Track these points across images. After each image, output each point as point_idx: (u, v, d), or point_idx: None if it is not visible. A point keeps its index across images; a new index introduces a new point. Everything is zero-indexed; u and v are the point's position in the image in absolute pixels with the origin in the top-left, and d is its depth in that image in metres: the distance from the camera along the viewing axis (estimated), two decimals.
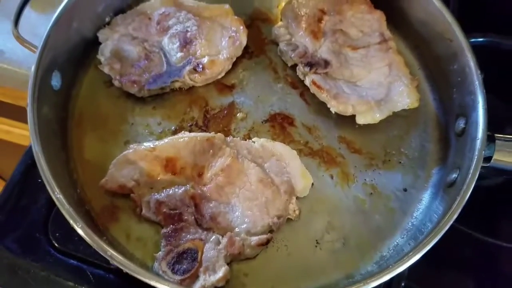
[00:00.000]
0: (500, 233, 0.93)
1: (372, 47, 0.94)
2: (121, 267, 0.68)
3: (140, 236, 0.81)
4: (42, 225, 0.88)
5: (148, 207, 0.81)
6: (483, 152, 0.77)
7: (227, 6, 1.00)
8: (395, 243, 0.82)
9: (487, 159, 0.78)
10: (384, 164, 0.89)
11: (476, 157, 0.76)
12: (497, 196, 0.99)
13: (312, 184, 0.85)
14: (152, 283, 0.66)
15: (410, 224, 0.84)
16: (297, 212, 0.82)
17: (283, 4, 1.03)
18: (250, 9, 1.06)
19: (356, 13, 0.98)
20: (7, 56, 1.13)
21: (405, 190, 0.87)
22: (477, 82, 0.83)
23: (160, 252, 0.77)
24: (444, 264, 0.92)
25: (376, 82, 0.91)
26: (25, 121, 1.48)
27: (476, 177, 0.75)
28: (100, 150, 0.89)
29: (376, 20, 0.97)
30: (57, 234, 0.87)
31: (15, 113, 1.44)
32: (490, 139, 0.78)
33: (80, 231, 0.70)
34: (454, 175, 0.81)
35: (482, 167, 0.77)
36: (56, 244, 0.86)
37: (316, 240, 0.82)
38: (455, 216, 0.72)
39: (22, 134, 1.56)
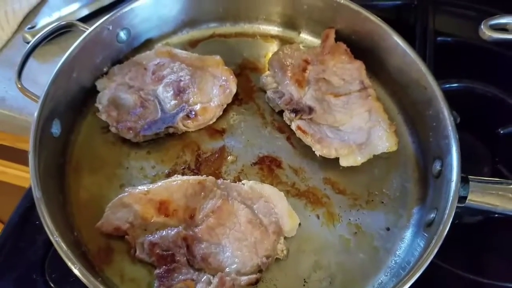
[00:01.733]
0: (481, 269, 0.96)
1: (353, 94, 1.01)
2: None
3: (134, 277, 0.84)
4: (39, 266, 0.91)
5: (142, 249, 0.84)
6: (458, 192, 0.82)
7: (218, 57, 1.07)
8: (379, 280, 0.86)
9: (462, 199, 0.82)
10: (367, 204, 0.94)
11: (451, 198, 0.81)
12: (478, 233, 1.03)
13: (299, 224, 0.89)
14: None
15: (393, 262, 0.87)
16: (285, 251, 0.86)
17: (270, 54, 1.10)
18: (240, 59, 1.13)
19: (337, 63, 1.05)
20: (8, 103, 1.18)
21: (388, 229, 0.91)
22: (450, 127, 0.89)
23: None
24: None
25: (357, 127, 0.97)
26: (21, 163, 1.53)
27: (452, 217, 0.79)
28: (96, 193, 0.93)
29: (356, 69, 1.04)
30: (54, 275, 0.89)
31: (12, 155, 1.48)
32: (464, 181, 0.83)
33: (77, 272, 0.73)
34: (432, 215, 0.85)
35: (458, 207, 0.81)
36: (52, 285, 0.88)
37: (304, 279, 0.85)
38: (432, 255, 0.76)
39: (17, 175, 1.60)
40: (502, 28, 0.92)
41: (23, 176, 1.57)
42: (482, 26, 0.92)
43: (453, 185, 0.82)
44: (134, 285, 0.83)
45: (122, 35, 1.07)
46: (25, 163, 1.49)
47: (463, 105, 1.04)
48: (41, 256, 0.92)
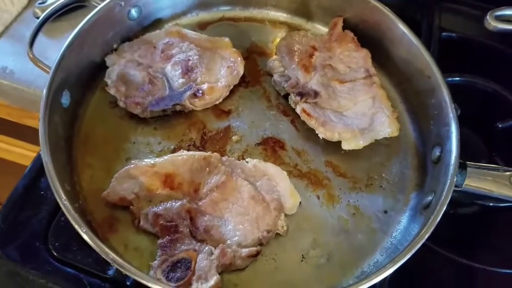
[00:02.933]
0: (476, 256, 0.99)
1: (358, 82, 1.03)
2: (121, 269, 0.73)
3: (137, 247, 0.86)
4: (43, 235, 0.92)
5: (146, 219, 0.86)
6: (456, 177, 0.84)
7: (227, 39, 1.09)
8: (375, 260, 0.88)
9: (460, 184, 0.85)
10: (366, 188, 0.96)
11: (449, 181, 0.83)
12: (473, 223, 1.06)
13: (300, 203, 0.91)
14: (150, 284, 0.71)
15: (389, 243, 0.90)
16: (285, 228, 0.88)
17: (278, 40, 1.13)
18: (248, 43, 1.15)
19: (344, 50, 1.07)
20: (17, 77, 1.20)
21: (385, 212, 0.94)
22: (451, 115, 0.91)
23: (155, 261, 0.81)
24: (425, 285, 0.98)
25: (361, 113, 0.99)
26: (27, 140, 1.54)
27: (449, 199, 0.82)
28: (102, 165, 0.95)
29: (362, 57, 1.06)
30: (57, 244, 0.91)
31: (17, 132, 1.50)
32: (462, 166, 0.86)
33: (84, 236, 0.75)
34: (430, 198, 0.88)
35: (455, 191, 0.84)
36: (55, 253, 0.90)
37: (302, 255, 0.87)
38: (428, 233, 0.78)
39: (22, 153, 1.61)
40: (507, 20, 0.95)
41: (28, 155, 1.58)
42: (487, 17, 0.94)
43: (451, 168, 0.84)
44: (138, 254, 0.85)
45: (134, 12, 1.09)
46: (31, 141, 1.52)
47: (463, 99, 1.07)
48: (45, 226, 0.93)
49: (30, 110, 1.28)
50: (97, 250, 0.74)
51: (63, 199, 0.78)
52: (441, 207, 0.80)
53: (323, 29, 1.17)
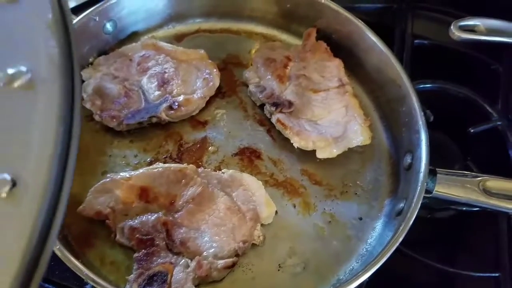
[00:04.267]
0: (449, 260, 1.01)
1: (332, 91, 1.04)
2: (95, 286, 0.73)
3: (114, 261, 0.86)
4: None
5: (122, 233, 0.86)
6: (426, 184, 0.86)
7: (202, 51, 1.10)
8: (351, 267, 0.89)
9: (430, 190, 0.87)
10: (341, 195, 0.97)
11: (419, 188, 0.85)
12: (451, 227, 1.08)
13: (276, 212, 0.92)
14: None
15: (364, 250, 0.91)
16: (261, 237, 0.89)
17: (253, 51, 1.15)
18: (224, 54, 1.16)
19: (318, 60, 1.09)
20: None
21: (360, 219, 0.95)
22: (420, 122, 0.93)
23: (132, 275, 0.82)
24: None
25: (334, 121, 1.00)
26: None
27: (419, 205, 0.83)
28: (79, 179, 0.94)
29: (335, 67, 1.08)
30: None
31: None
32: (432, 173, 0.88)
33: (58, 253, 0.75)
34: (402, 205, 0.90)
35: (426, 198, 0.86)
36: None
37: (279, 264, 0.88)
38: (400, 239, 0.80)
39: None
40: (471, 30, 0.98)
41: None
42: (452, 27, 0.97)
43: (421, 176, 0.86)
44: (114, 268, 0.86)
45: (109, 26, 1.09)
46: None
47: (436, 105, 1.10)
48: None
49: None
50: (71, 266, 0.74)
51: None
52: (411, 213, 0.82)
53: (298, 40, 1.19)
